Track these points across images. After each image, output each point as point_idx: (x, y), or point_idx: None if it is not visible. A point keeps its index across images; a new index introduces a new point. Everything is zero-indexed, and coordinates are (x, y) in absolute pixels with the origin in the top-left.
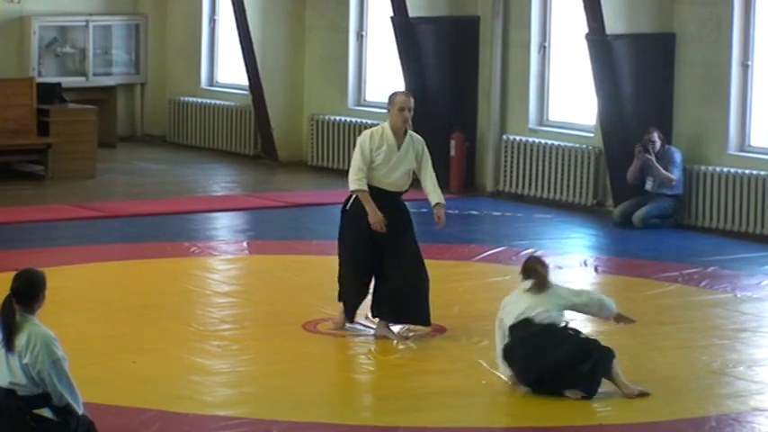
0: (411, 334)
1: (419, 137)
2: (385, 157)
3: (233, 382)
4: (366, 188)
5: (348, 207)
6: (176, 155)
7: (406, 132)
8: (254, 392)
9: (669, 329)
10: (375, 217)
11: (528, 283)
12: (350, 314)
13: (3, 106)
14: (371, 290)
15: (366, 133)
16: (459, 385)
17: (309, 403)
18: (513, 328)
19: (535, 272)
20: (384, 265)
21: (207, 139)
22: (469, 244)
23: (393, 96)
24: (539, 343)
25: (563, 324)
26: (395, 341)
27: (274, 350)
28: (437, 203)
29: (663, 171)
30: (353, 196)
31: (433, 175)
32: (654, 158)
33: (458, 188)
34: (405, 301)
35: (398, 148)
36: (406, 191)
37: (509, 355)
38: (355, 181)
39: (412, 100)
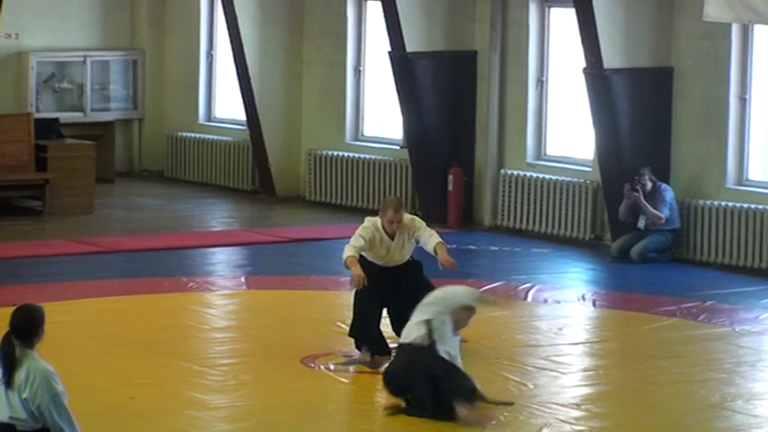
0: None
1: (409, 217)
2: (382, 248)
3: (231, 417)
4: (355, 256)
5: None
6: (174, 190)
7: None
8: (252, 428)
9: (667, 363)
10: (356, 274)
11: None
12: (371, 348)
13: (1, 142)
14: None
15: (367, 228)
16: (456, 421)
17: None
18: None
19: None
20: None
21: (205, 174)
22: (467, 278)
23: (385, 209)
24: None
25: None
26: None
27: (272, 385)
28: (438, 243)
29: (651, 209)
30: None
31: (434, 234)
32: (642, 196)
33: (456, 223)
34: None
35: (392, 239)
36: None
37: None
38: (347, 249)
39: (402, 212)
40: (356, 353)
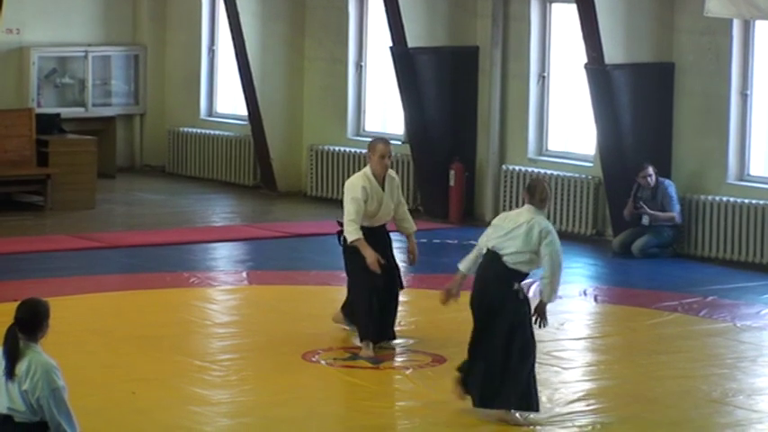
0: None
1: (392, 171)
2: (374, 202)
3: (232, 413)
4: (362, 236)
5: (344, 242)
6: (175, 185)
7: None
8: (253, 423)
9: (669, 359)
10: (372, 257)
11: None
12: (377, 340)
13: (2, 137)
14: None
15: (356, 186)
16: (459, 416)
17: None
18: (488, 251)
19: (539, 188)
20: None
21: (206, 169)
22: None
23: (374, 145)
24: (485, 294)
25: (515, 287)
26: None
27: (274, 380)
28: (413, 232)
29: (661, 214)
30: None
31: (404, 203)
32: (646, 208)
33: (457, 218)
34: (393, 318)
35: (383, 189)
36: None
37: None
38: (352, 232)
39: (391, 148)
40: (356, 342)
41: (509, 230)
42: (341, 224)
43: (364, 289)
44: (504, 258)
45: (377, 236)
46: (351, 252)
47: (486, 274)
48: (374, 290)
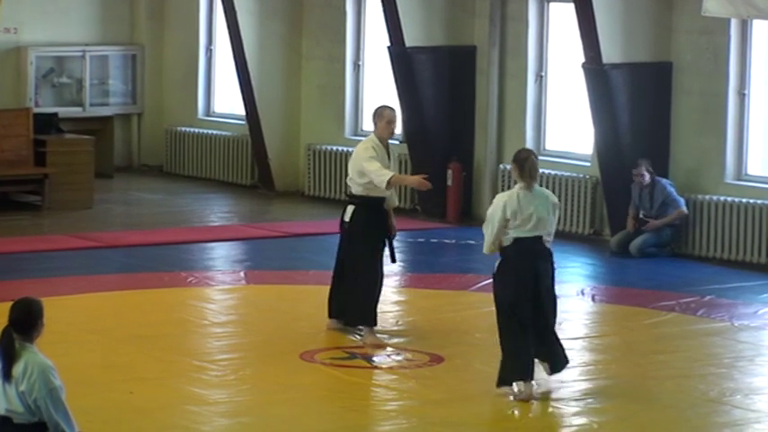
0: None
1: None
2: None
3: (230, 412)
4: (390, 171)
5: (350, 219)
6: (173, 185)
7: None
8: (251, 422)
9: (666, 358)
10: (417, 179)
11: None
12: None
13: (0, 137)
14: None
15: (368, 148)
16: (457, 415)
17: None
18: (521, 240)
19: (531, 161)
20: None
21: (204, 169)
22: (466, 273)
23: (381, 110)
24: (540, 278)
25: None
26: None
27: (271, 380)
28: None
29: (668, 219)
30: (349, 209)
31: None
32: (651, 222)
33: (455, 218)
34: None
35: (389, 157)
36: None
37: (508, 264)
38: (385, 173)
39: (396, 113)
40: (355, 338)
41: (539, 218)
42: (349, 195)
43: (372, 276)
44: (544, 239)
45: (380, 212)
46: (359, 239)
47: (542, 257)
48: (380, 277)
